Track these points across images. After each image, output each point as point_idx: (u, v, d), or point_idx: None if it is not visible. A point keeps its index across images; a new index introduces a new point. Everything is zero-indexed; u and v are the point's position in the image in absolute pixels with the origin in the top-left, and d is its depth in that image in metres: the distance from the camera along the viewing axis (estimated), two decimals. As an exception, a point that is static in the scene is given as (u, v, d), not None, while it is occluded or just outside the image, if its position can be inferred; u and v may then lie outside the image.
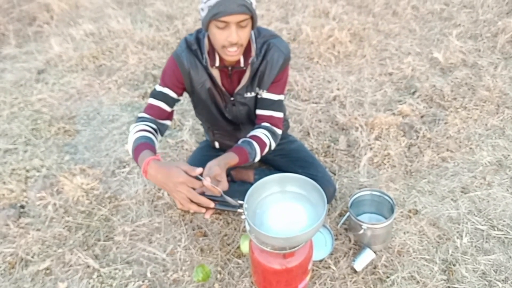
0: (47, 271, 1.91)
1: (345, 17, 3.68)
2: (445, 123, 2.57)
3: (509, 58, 3.12)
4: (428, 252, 1.89)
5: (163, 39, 3.62)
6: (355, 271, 1.82)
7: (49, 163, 2.46)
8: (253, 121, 1.89)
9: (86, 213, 2.17)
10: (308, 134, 2.57)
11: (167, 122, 1.79)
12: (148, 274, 1.87)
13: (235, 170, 2.14)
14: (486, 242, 1.92)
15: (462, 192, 2.16)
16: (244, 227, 2.02)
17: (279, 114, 1.82)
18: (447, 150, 2.40)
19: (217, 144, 2.11)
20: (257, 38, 1.70)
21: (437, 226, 1.99)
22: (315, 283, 1.78)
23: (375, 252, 1.84)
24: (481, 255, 1.86)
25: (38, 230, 2.09)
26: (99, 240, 2.03)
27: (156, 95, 1.74)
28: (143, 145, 1.53)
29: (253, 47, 1.68)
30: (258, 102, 1.81)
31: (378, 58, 3.26)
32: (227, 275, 1.85)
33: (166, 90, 1.73)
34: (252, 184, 1.55)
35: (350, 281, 1.78)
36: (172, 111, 1.80)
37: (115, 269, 1.90)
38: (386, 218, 1.90)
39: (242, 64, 1.68)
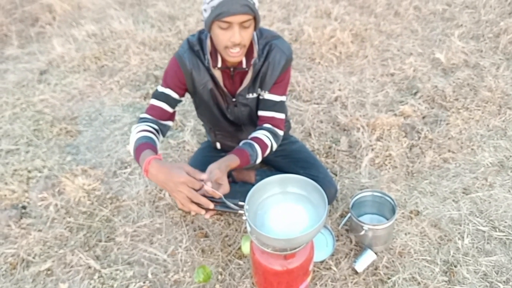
0: (48, 272, 1.92)
1: (347, 18, 3.67)
2: (447, 124, 2.56)
3: (511, 59, 3.11)
4: (429, 253, 1.88)
5: (165, 40, 3.62)
6: (356, 272, 1.81)
7: (51, 163, 2.47)
8: (254, 122, 1.89)
9: (88, 213, 2.18)
10: (310, 134, 2.57)
11: (169, 123, 1.79)
12: (149, 275, 1.87)
13: (236, 171, 2.13)
14: (488, 243, 1.91)
15: (463, 193, 2.15)
16: (245, 228, 2.01)
17: (281, 115, 1.82)
18: (449, 151, 2.40)
19: (218, 145, 2.11)
20: (259, 39, 1.70)
21: (438, 227, 1.99)
22: (316, 284, 1.78)
23: (376, 253, 1.84)
24: (482, 256, 1.86)
25: (40, 230, 2.10)
26: (100, 241, 2.04)
27: (158, 95, 1.74)
28: (145, 145, 1.53)
29: (255, 48, 1.68)
30: (260, 103, 1.81)
31: (380, 58, 3.26)
32: (228, 276, 1.85)
33: (168, 91, 1.73)
34: (253, 185, 1.55)
35: (351, 282, 1.78)
36: (174, 112, 1.80)
37: (116, 270, 1.90)
38: (387, 219, 1.90)
39: (244, 65, 1.68)
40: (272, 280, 1.61)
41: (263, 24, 3.70)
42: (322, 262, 1.86)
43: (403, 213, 2.06)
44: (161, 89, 1.74)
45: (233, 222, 2.08)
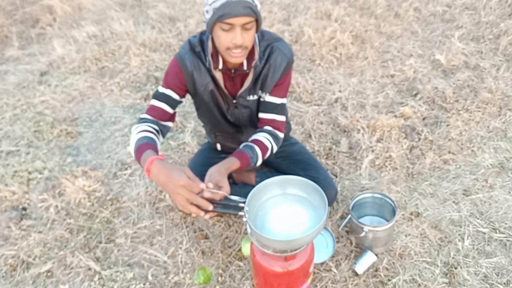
0: (49, 274, 1.92)
1: (347, 19, 3.68)
2: (447, 125, 2.56)
3: (511, 60, 3.11)
4: (430, 255, 1.88)
5: (165, 41, 3.62)
6: (357, 274, 1.81)
7: (51, 165, 2.47)
8: (255, 124, 1.89)
9: (88, 215, 2.18)
10: (310, 136, 2.57)
11: (169, 124, 1.79)
12: (149, 277, 1.87)
13: (236, 172, 2.13)
14: (488, 245, 1.91)
15: (464, 194, 2.15)
16: (246, 229, 2.01)
17: (282, 118, 1.82)
18: (449, 152, 2.40)
19: (219, 146, 2.11)
20: (260, 41, 1.70)
21: (438, 229, 1.99)
22: (316, 286, 1.78)
23: (376, 255, 1.84)
24: (482, 258, 1.85)
25: (40, 232, 2.10)
26: (100, 243, 2.04)
27: (158, 96, 1.74)
28: (146, 145, 1.53)
29: (257, 50, 1.68)
30: (261, 105, 1.81)
31: (380, 60, 3.26)
32: (228, 277, 1.85)
33: (168, 92, 1.73)
34: (253, 186, 1.55)
35: (352, 284, 1.78)
36: (175, 113, 1.80)
37: (116, 271, 1.90)
38: (387, 221, 1.90)
39: (245, 67, 1.68)
40: (272, 281, 1.61)
41: (263, 25, 3.68)
42: (322, 263, 1.86)
43: (403, 214, 2.06)
44: (161, 89, 1.74)
45: (233, 224, 2.08)
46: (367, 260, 1.81)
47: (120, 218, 2.15)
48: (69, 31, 3.94)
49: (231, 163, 1.63)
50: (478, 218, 2.03)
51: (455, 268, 1.82)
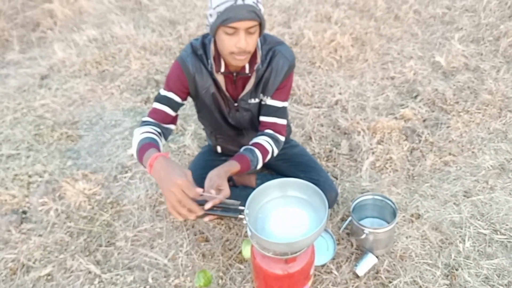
0: (49, 277, 1.91)
1: (347, 22, 3.68)
2: (448, 127, 2.56)
3: (511, 62, 3.11)
4: (431, 256, 1.88)
5: (165, 44, 3.63)
6: (357, 276, 1.81)
7: (52, 168, 2.47)
8: (256, 127, 1.89)
9: (88, 218, 2.17)
10: (310, 138, 2.57)
11: (171, 126, 1.78)
12: (150, 280, 1.86)
13: (237, 175, 2.13)
14: (489, 246, 1.91)
15: (464, 196, 2.15)
16: (246, 232, 2.01)
17: (283, 121, 1.82)
18: (450, 154, 2.40)
19: (219, 149, 2.11)
20: (262, 45, 1.70)
21: (439, 231, 1.98)
22: (317, 288, 1.78)
23: (377, 257, 1.83)
24: (483, 260, 1.85)
25: (40, 235, 2.10)
26: (100, 246, 2.03)
27: (160, 99, 1.74)
28: (149, 145, 1.51)
29: (259, 53, 1.68)
30: (262, 109, 1.81)
31: (380, 62, 3.26)
32: (229, 280, 1.84)
33: (170, 95, 1.73)
34: (254, 189, 1.55)
35: (352, 286, 1.78)
36: (177, 116, 1.79)
37: (117, 274, 1.90)
38: (388, 223, 1.89)
39: (247, 71, 1.68)
40: (273, 284, 1.60)
41: (263, 28, 3.70)
42: (323, 266, 1.85)
43: (404, 216, 2.06)
44: (163, 92, 1.74)
45: (233, 226, 2.07)
46: (368, 262, 1.81)
47: (121, 221, 2.14)
48: (70, 34, 3.95)
49: (231, 166, 1.63)
50: (479, 220, 2.02)
51: (456, 269, 1.81)
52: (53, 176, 2.42)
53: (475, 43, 3.36)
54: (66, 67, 3.45)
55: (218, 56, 1.66)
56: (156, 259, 1.95)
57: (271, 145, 1.76)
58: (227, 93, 1.76)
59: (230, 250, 1.97)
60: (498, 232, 1.96)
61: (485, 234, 1.95)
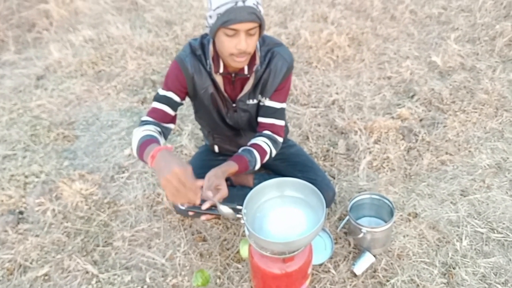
0: (46, 277, 1.91)
1: (344, 22, 3.69)
2: (444, 126, 2.57)
3: (507, 61, 3.12)
4: (428, 255, 1.88)
5: (162, 45, 3.62)
6: (355, 275, 1.81)
7: (48, 168, 2.46)
8: (253, 127, 1.89)
9: (85, 218, 2.17)
10: (307, 138, 2.57)
11: (171, 126, 1.77)
12: (147, 280, 1.86)
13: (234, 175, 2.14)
14: (486, 245, 1.91)
15: (461, 195, 2.16)
16: (244, 231, 2.01)
17: (281, 122, 1.83)
18: (446, 153, 2.40)
19: (216, 148, 2.10)
20: (261, 46, 1.70)
21: (436, 229, 1.99)
22: (315, 287, 1.78)
23: (375, 256, 1.84)
24: (480, 258, 1.86)
25: (37, 236, 2.09)
26: (98, 246, 2.03)
27: (159, 98, 1.72)
28: (150, 141, 1.49)
29: (258, 55, 1.68)
30: (261, 110, 1.81)
31: (377, 62, 3.27)
32: (227, 280, 1.84)
33: (169, 94, 1.72)
34: (251, 188, 1.55)
35: (350, 285, 1.78)
36: (175, 115, 1.78)
37: (114, 274, 1.89)
38: (385, 222, 1.90)
39: (246, 72, 1.68)
40: (271, 283, 1.60)
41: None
42: (320, 265, 1.86)
43: (401, 215, 2.06)
44: (162, 92, 1.73)
45: (231, 226, 2.07)
46: (366, 261, 1.81)
47: (118, 221, 2.14)
48: (66, 35, 3.94)
49: (229, 167, 1.63)
50: (475, 219, 2.03)
51: (453, 268, 1.82)
52: (49, 176, 2.41)
53: (471, 43, 3.37)
54: (62, 67, 3.44)
55: (217, 56, 1.66)
56: (153, 259, 1.94)
57: (269, 146, 1.77)
58: (225, 94, 1.76)
59: (228, 249, 1.97)
60: (495, 231, 1.97)
61: (482, 233, 1.96)
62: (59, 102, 3.07)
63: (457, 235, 1.96)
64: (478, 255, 1.87)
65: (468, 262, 1.84)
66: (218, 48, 1.58)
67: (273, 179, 1.57)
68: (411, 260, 1.86)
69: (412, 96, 2.85)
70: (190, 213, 1.57)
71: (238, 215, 1.45)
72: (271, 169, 2.20)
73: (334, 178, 2.29)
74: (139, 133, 1.57)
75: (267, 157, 1.78)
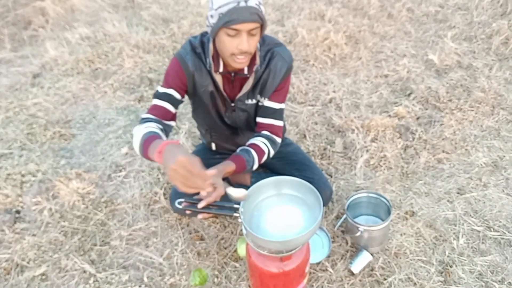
0: (43, 277, 1.90)
1: (341, 20, 3.69)
2: (441, 124, 2.58)
3: (503, 60, 3.13)
4: (425, 253, 1.89)
5: (159, 43, 3.61)
6: (352, 274, 1.81)
7: (45, 167, 2.45)
8: (251, 127, 1.89)
9: (82, 217, 2.16)
10: (305, 136, 2.57)
11: (172, 123, 1.75)
12: (145, 279, 1.86)
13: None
14: (483, 243, 1.92)
15: (458, 193, 2.16)
16: (241, 230, 2.01)
17: (280, 123, 1.82)
18: (443, 151, 2.41)
19: (213, 146, 2.10)
20: (261, 46, 1.69)
21: (433, 228, 1.99)
22: (312, 286, 1.78)
23: (372, 254, 1.84)
24: (477, 256, 1.86)
25: (34, 235, 2.08)
26: (95, 245, 2.03)
27: (160, 96, 1.71)
28: (154, 137, 1.47)
29: (258, 55, 1.68)
30: (259, 110, 1.81)
31: (374, 60, 3.27)
32: (224, 279, 1.84)
33: (170, 91, 1.70)
34: (248, 187, 1.55)
35: (348, 283, 1.78)
36: (176, 113, 1.77)
37: (112, 274, 1.89)
38: (382, 220, 1.90)
39: (246, 72, 1.68)
40: (268, 282, 1.60)
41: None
42: (318, 263, 1.86)
43: (398, 213, 2.07)
44: (162, 89, 1.71)
45: (228, 225, 2.07)
46: (363, 259, 1.81)
47: (115, 220, 2.14)
48: (62, 32, 3.92)
49: (226, 165, 1.64)
50: (472, 217, 2.04)
51: (450, 266, 1.83)
52: (46, 175, 2.40)
53: (468, 41, 3.38)
54: (59, 65, 3.43)
55: (216, 55, 1.65)
56: (151, 258, 1.94)
57: (267, 146, 1.77)
58: (224, 93, 1.75)
59: (225, 248, 1.97)
60: (492, 229, 1.98)
61: (479, 231, 1.97)
62: (55, 101, 3.05)
63: (454, 233, 1.97)
64: (474, 253, 1.88)
65: (465, 260, 1.85)
66: (219, 48, 1.58)
67: (270, 177, 1.57)
68: (408, 259, 1.87)
69: (409, 94, 2.86)
70: (187, 212, 1.56)
71: (235, 214, 1.45)
72: (268, 168, 2.19)
73: (331, 177, 2.30)
74: (142, 130, 1.54)
75: (265, 158, 1.78)
